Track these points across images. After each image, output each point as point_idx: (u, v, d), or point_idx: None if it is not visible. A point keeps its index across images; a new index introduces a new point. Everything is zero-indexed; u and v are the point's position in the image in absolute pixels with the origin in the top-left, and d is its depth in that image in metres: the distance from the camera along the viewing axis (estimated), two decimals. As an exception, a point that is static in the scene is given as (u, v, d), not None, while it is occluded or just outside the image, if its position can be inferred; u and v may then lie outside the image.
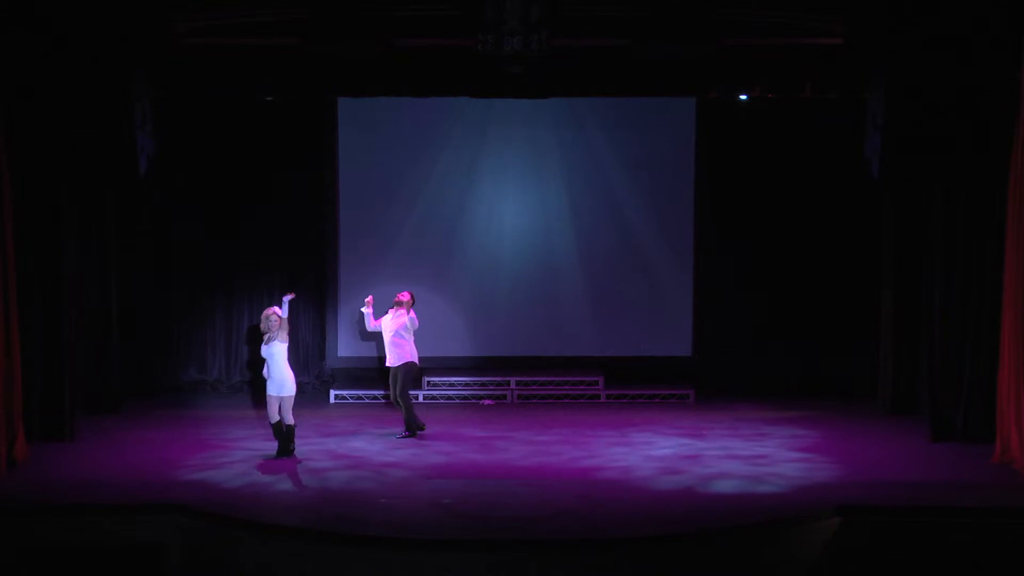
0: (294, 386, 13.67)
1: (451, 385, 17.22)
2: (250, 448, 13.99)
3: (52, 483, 12.46)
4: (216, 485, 12.44)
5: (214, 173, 17.38)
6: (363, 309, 15.00)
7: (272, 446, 13.69)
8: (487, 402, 17.05)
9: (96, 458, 13.60)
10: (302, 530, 11.06)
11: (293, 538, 10.98)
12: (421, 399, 16.89)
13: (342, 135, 17.64)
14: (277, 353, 13.53)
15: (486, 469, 13.27)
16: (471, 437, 14.82)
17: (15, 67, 13.51)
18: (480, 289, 17.80)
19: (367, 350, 17.51)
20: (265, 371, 13.69)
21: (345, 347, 17.84)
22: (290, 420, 13.63)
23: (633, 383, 17.37)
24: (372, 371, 17.41)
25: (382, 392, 16.34)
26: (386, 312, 14.95)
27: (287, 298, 13.70)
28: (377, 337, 15.58)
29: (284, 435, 13.59)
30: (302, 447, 13.94)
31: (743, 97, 15.95)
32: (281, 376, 13.56)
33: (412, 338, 14.80)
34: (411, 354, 14.79)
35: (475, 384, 17.25)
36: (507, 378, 17.28)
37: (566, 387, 17.21)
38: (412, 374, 14.93)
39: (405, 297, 14.85)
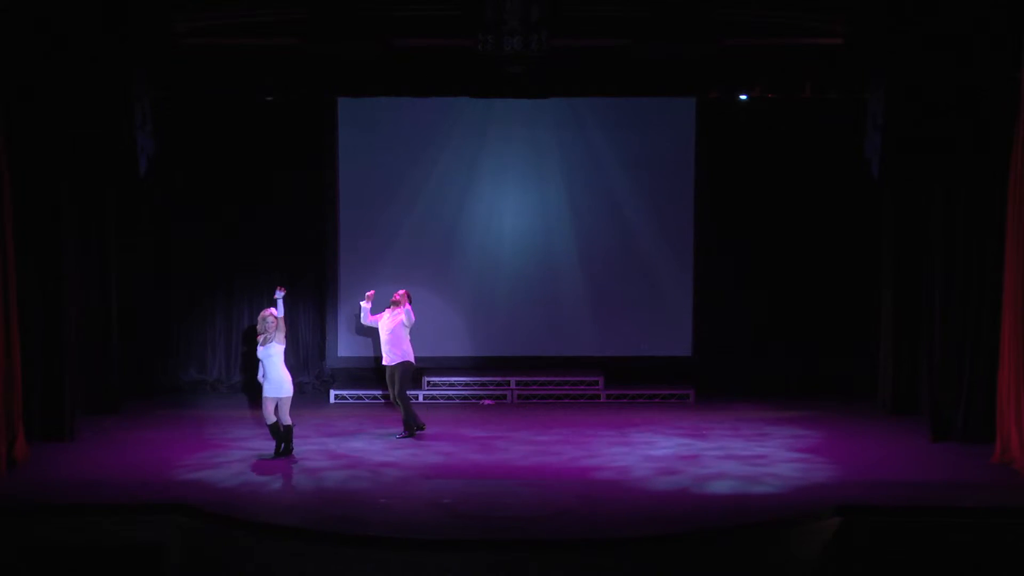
0: (291, 387, 13.66)
1: (451, 385, 17.22)
2: (251, 448, 13.99)
3: (52, 483, 12.46)
4: (216, 485, 12.44)
5: (214, 173, 17.38)
6: (362, 303, 14.99)
7: (273, 446, 13.68)
8: (487, 402, 17.05)
9: (96, 458, 13.60)
10: (302, 530, 11.06)
11: (293, 538, 10.98)
12: (421, 399, 16.89)
13: (342, 135, 17.64)
14: (275, 355, 13.52)
15: (486, 469, 13.27)
16: (471, 437, 14.82)
17: (15, 67, 13.51)
18: (480, 289, 17.79)
19: (367, 350, 17.50)
20: (260, 374, 13.65)
21: (345, 347, 17.84)
22: (287, 421, 13.63)
23: (633, 383, 17.37)
24: (372, 371, 17.40)
25: (382, 392, 16.34)
26: (383, 311, 14.94)
27: (279, 294, 13.65)
28: (372, 333, 15.59)
29: (282, 435, 13.59)
30: (302, 447, 13.94)
31: (743, 97, 15.95)
32: (278, 377, 13.56)
33: (408, 337, 14.78)
34: (408, 353, 14.78)
35: (475, 384, 17.25)
36: (507, 378, 17.28)
37: (566, 387, 17.21)
38: (410, 374, 14.92)
39: (400, 296, 14.82)
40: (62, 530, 11.28)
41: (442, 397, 17.08)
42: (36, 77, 13.75)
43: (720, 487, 12.42)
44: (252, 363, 14.13)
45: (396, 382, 14.71)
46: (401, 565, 10.66)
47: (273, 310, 13.59)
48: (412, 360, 14.85)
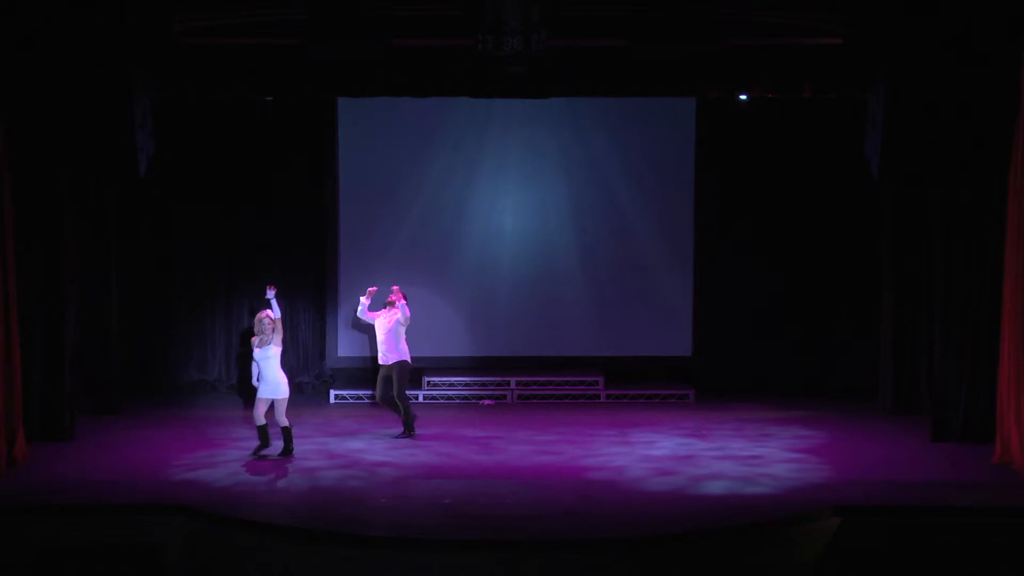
0: (287, 389, 13.66)
1: (451, 385, 17.22)
2: (251, 448, 13.97)
3: (52, 483, 12.45)
4: (217, 485, 12.43)
5: (214, 173, 17.39)
6: (362, 297, 14.98)
7: (276, 446, 13.68)
8: (487, 402, 17.05)
9: (96, 458, 13.60)
10: (303, 530, 11.05)
11: (294, 538, 10.98)
12: (421, 399, 16.90)
13: (342, 135, 17.64)
14: (273, 356, 13.51)
15: (486, 469, 13.26)
16: (471, 437, 14.82)
17: (15, 67, 13.50)
18: (480, 289, 17.80)
19: (367, 350, 17.50)
20: (255, 376, 13.64)
21: (345, 347, 17.85)
22: (284, 422, 13.62)
23: (633, 383, 17.38)
24: (372, 371, 17.33)
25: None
26: (379, 310, 14.93)
27: (270, 293, 13.65)
28: (370, 331, 15.59)
29: (264, 435, 13.56)
30: (303, 447, 13.94)
31: (743, 97, 15.95)
32: (275, 379, 13.55)
33: (404, 336, 14.76)
34: (404, 353, 14.76)
35: (475, 384, 17.25)
36: (507, 378, 17.28)
37: (566, 387, 17.21)
38: (407, 373, 14.89)
39: (395, 295, 14.80)
40: (62, 530, 11.27)
41: (442, 397, 17.08)
42: (36, 77, 13.75)
43: (714, 488, 12.37)
44: (249, 364, 14.10)
45: (395, 382, 14.70)
46: (401, 565, 10.66)
47: (269, 312, 13.58)
48: (408, 360, 14.83)
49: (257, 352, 13.55)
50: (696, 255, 17.78)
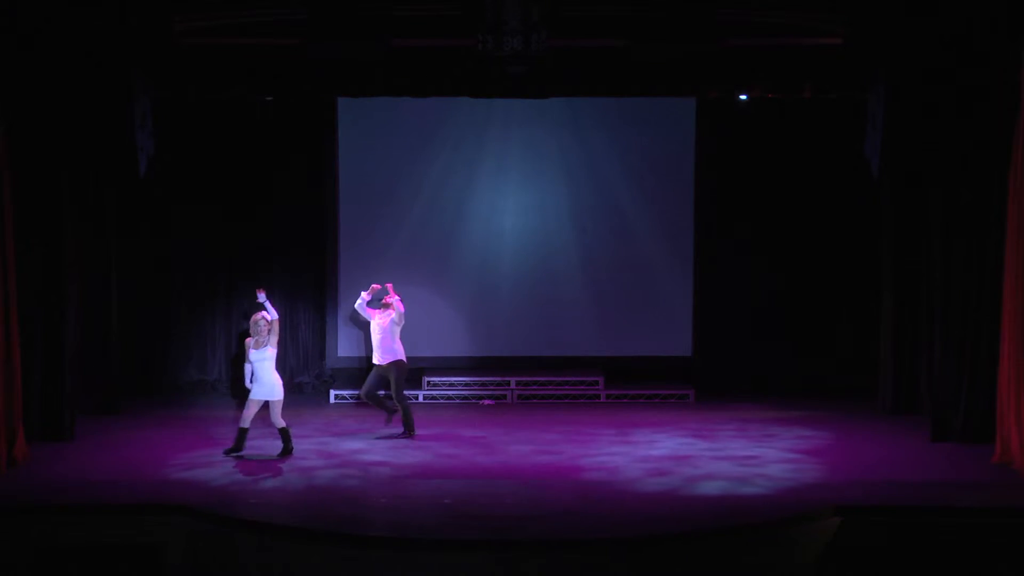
0: (282, 391, 13.66)
1: (451, 385, 17.22)
2: (251, 448, 13.96)
3: (52, 483, 12.45)
4: (217, 485, 12.43)
5: (214, 173, 17.38)
6: (363, 292, 14.97)
7: (277, 445, 13.69)
8: (487, 402, 17.05)
9: (96, 458, 13.60)
10: (303, 530, 11.05)
11: (294, 538, 10.98)
12: (421, 399, 16.90)
13: (342, 135, 17.64)
14: (268, 358, 13.51)
15: (486, 469, 13.27)
16: (471, 437, 14.82)
17: (15, 67, 13.50)
18: (480, 289, 17.80)
19: (367, 350, 17.47)
20: (248, 378, 13.62)
21: (345, 347, 17.85)
22: (281, 423, 13.62)
23: (633, 383, 17.38)
24: (371, 371, 17.37)
25: (382, 392, 16.30)
26: (376, 309, 14.93)
27: (261, 296, 13.66)
28: (365, 326, 15.56)
29: (242, 439, 13.57)
30: (303, 447, 13.95)
31: (743, 97, 15.95)
32: (270, 381, 13.54)
33: (399, 336, 14.75)
34: (400, 352, 14.75)
35: (475, 384, 17.25)
36: (507, 378, 17.28)
37: (566, 387, 17.21)
38: (404, 373, 14.88)
39: (390, 293, 14.80)
40: (62, 530, 11.27)
41: (442, 397, 17.08)
42: (36, 77, 13.75)
43: (709, 488, 12.36)
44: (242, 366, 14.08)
45: (393, 383, 14.70)
46: (401, 565, 10.66)
47: (264, 313, 13.58)
48: (404, 359, 14.82)
49: (253, 353, 13.54)
50: (696, 255, 17.78)
